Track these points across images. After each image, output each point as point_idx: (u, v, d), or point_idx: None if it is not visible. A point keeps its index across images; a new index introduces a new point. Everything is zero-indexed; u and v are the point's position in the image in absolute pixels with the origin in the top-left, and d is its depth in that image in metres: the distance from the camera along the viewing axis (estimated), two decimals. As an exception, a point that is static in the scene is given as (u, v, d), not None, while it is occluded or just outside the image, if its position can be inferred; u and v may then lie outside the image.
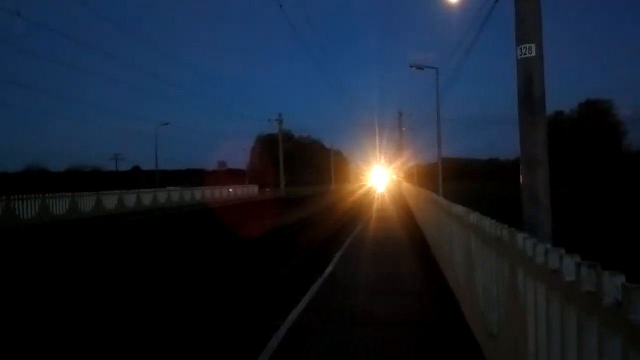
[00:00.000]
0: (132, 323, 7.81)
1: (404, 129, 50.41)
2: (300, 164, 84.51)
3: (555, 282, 2.46)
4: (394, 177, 65.81)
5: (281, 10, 18.56)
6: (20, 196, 21.55)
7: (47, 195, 23.16)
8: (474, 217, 5.22)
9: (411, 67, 25.40)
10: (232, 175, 73.13)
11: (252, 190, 53.20)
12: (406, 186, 37.74)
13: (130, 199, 30.09)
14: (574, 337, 2.22)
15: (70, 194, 24.89)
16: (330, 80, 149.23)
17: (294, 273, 11.66)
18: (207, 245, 16.88)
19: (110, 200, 27.86)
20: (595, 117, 67.91)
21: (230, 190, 47.44)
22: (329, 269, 9.50)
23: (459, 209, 6.49)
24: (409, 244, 12.73)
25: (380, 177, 72.67)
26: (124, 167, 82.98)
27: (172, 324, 7.71)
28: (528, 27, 5.76)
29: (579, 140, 63.60)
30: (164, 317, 8.14)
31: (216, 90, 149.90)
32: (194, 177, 71.59)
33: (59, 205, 23.78)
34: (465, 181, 66.68)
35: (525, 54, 5.75)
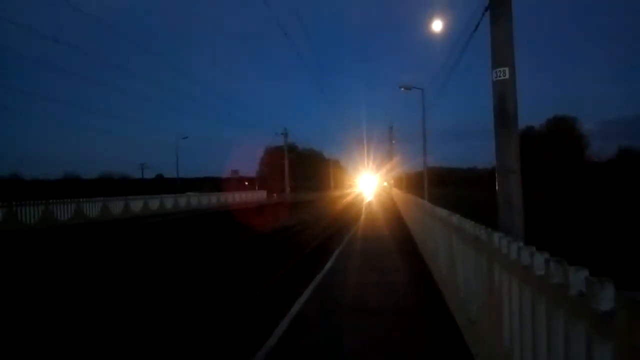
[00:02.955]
0: (165, 304, 7.78)
1: (393, 141, 50.39)
2: (303, 172, 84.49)
3: (527, 275, 2.46)
4: (385, 183, 65.60)
5: (286, 37, 18.66)
6: (58, 200, 21.72)
7: (81, 199, 23.32)
8: (455, 218, 5.22)
9: (400, 87, 25.61)
10: (243, 182, 73.38)
11: (261, 195, 53.71)
12: (396, 192, 37.79)
13: (154, 203, 30.31)
14: (544, 324, 2.22)
15: (102, 198, 25.13)
16: (330, 98, 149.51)
17: (297, 267, 11.62)
18: (221, 242, 16.87)
19: (136, 204, 28.12)
20: (562, 131, 67.82)
21: (243, 194, 47.53)
22: (329, 264, 9.48)
23: (442, 212, 6.48)
24: (398, 241, 12.69)
25: (369, 183, 71.55)
26: (149, 174, 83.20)
27: (191, 309, 7.69)
28: (502, 52, 5.77)
29: (547, 151, 63.50)
30: (184, 303, 8.11)
31: (231, 106, 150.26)
32: (210, 183, 71.72)
33: (92, 208, 23.99)
34: (448, 187, 66.48)
35: (499, 77, 5.76)
